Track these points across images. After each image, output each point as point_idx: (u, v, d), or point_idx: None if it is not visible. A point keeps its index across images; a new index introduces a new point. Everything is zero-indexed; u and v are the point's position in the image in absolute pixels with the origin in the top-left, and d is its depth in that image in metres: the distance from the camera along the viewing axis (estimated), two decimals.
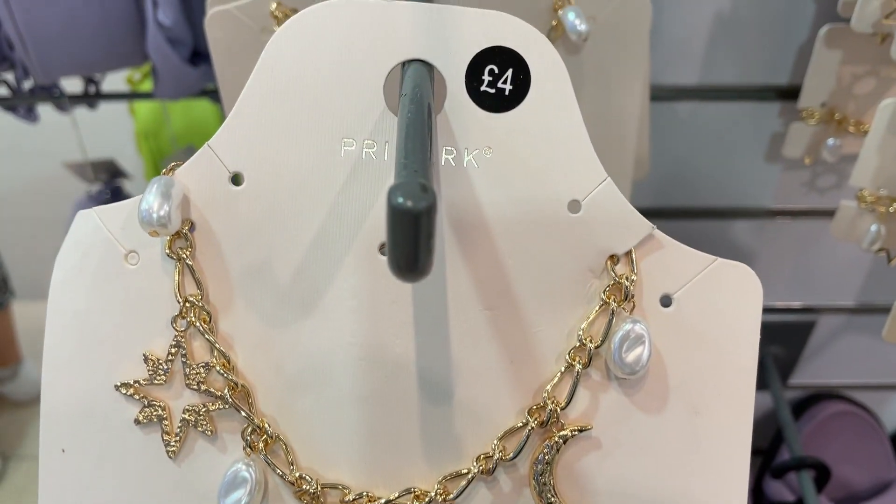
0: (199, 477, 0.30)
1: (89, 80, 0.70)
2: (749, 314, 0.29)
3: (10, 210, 1.53)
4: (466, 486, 0.30)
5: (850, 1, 0.51)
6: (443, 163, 0.28)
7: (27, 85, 0.67)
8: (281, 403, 0.30)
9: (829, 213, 0.62)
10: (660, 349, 0.29)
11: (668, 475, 0.30)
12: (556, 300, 0.29)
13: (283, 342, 0.30)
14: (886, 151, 0.47)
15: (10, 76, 0.66)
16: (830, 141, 0.60)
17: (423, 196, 0.18)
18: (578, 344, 0.29)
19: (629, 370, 0.28)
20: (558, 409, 0.29)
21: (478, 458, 0.30)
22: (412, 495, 0.30)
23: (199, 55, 0.62)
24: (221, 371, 0.29)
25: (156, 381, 0.29)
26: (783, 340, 0.81)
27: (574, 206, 0.28)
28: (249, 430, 0.29)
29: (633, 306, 0.29)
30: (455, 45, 0.27)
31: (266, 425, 0.30)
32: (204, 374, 0.29)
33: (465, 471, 0.30)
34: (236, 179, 0.29)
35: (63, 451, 0.30)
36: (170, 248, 0.29)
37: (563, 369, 0.29)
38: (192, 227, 0.29)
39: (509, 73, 0.27)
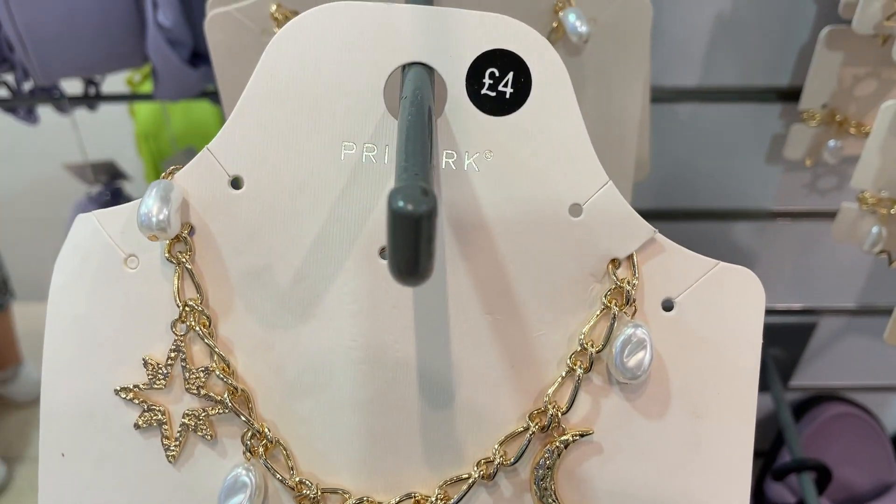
0: (199, 481, 0.30)
1: (89, 82, 0.70)
2: (751, 318, 0.29)
3: (11, 211, 1.53)
4: (467, 491, 0.29)
5: (851, 2, 0.51)
6: (443, 166, 0.28)
7: (27, 86, 0.67)
8: (281, 407, 0.30)
9: (830, 215, 0.61)
10: (661, 353, 0.29)
11: (669, 479, 0.30)
12: (558, 304, 0.29)
13: (283, 346, 0.29)
14: (888, 153, 0.47)
15: (10, 78, 0.66)
16: (831, 142, 0.60)
17: (423, 200, 0.18)
18: (580, 348, 0.29)
19: (631, 375, 0.28)
20: (559, 414, 0.29)
21: (478, 463, 0.30)
22: (412, 500, 0.30)
23: (199, 56, 0.62)
24: (221, 375, 0.29)
25: (155, 386, 0.29)
26: (784, 342, 0.81)
27: (575, 209, 0.28)
28: (249, 434, 0.29)
29: (635, 310, 0.29)
30: (456, 48, 0.27)
31: (266, 430, 0.29)
32: (203, 379, 0.29)
33: (466, 475, 0.30)
34: (236, 183, 0.29)
35: (63, 455, 0.30)
36: (169, 251, 0.29)
37: (564, 374, 0.29)
38: (191, 230, 0.29)
39: (510, 76, 0.27)
